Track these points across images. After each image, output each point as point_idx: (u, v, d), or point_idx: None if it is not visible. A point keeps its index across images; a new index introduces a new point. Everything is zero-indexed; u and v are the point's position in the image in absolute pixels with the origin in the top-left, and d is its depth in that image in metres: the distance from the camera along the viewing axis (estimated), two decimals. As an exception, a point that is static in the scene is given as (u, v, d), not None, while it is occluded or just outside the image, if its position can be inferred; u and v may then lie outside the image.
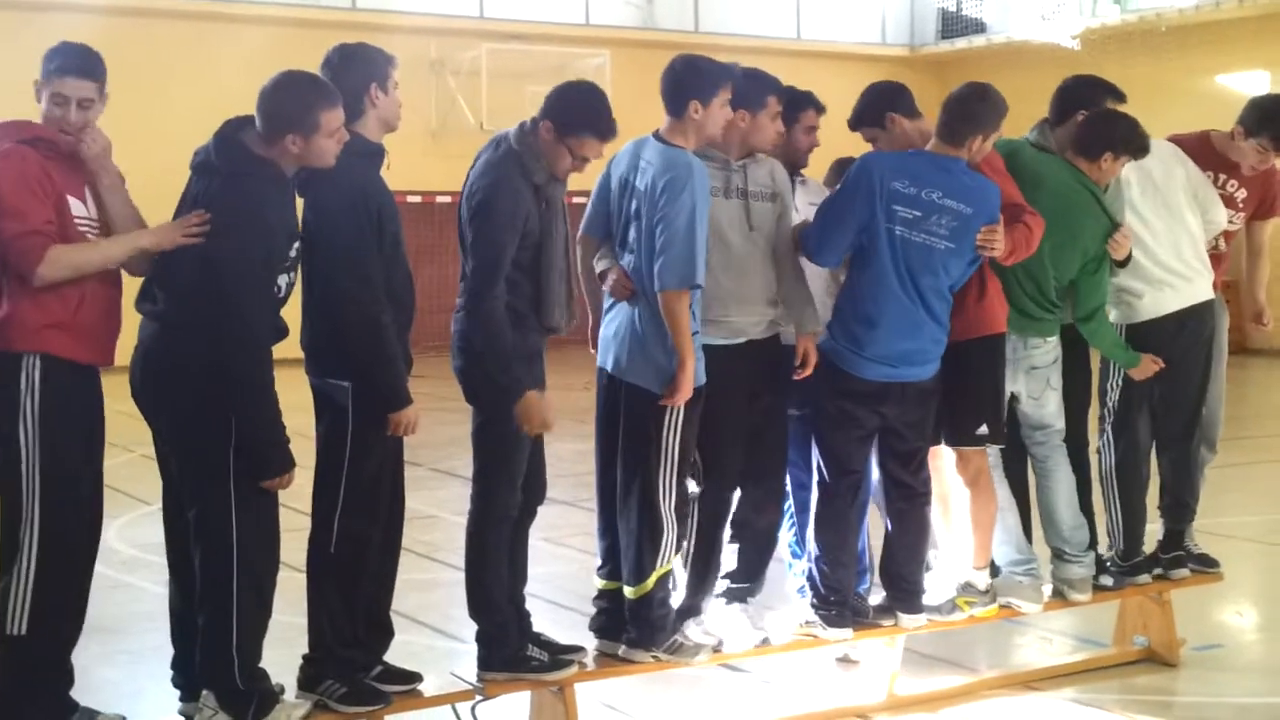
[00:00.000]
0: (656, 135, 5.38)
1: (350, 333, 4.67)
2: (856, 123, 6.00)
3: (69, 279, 4.53)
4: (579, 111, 5.17)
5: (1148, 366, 6.28)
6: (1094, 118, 6.11)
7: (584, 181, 5.53)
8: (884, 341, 5.59)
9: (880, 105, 5.90)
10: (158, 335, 4.65)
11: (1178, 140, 6.59)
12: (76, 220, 4.62)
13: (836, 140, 6.32)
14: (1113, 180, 6.20)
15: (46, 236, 4.49)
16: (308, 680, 5.00)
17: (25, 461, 4.50)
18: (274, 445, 4.62)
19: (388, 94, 4.97)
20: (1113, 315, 6.36)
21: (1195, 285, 6.37)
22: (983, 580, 6.00)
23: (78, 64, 4.68)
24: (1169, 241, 6.31)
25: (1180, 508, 6.60)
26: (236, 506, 4.61)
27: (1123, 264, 6.13)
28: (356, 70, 4.94)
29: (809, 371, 5.68)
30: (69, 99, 4.65)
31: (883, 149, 5.87)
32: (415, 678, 5.18)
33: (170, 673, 4.95)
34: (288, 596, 5.00)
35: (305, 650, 5.03)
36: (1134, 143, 6.06)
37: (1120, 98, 6.30)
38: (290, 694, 4.95)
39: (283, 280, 4.71)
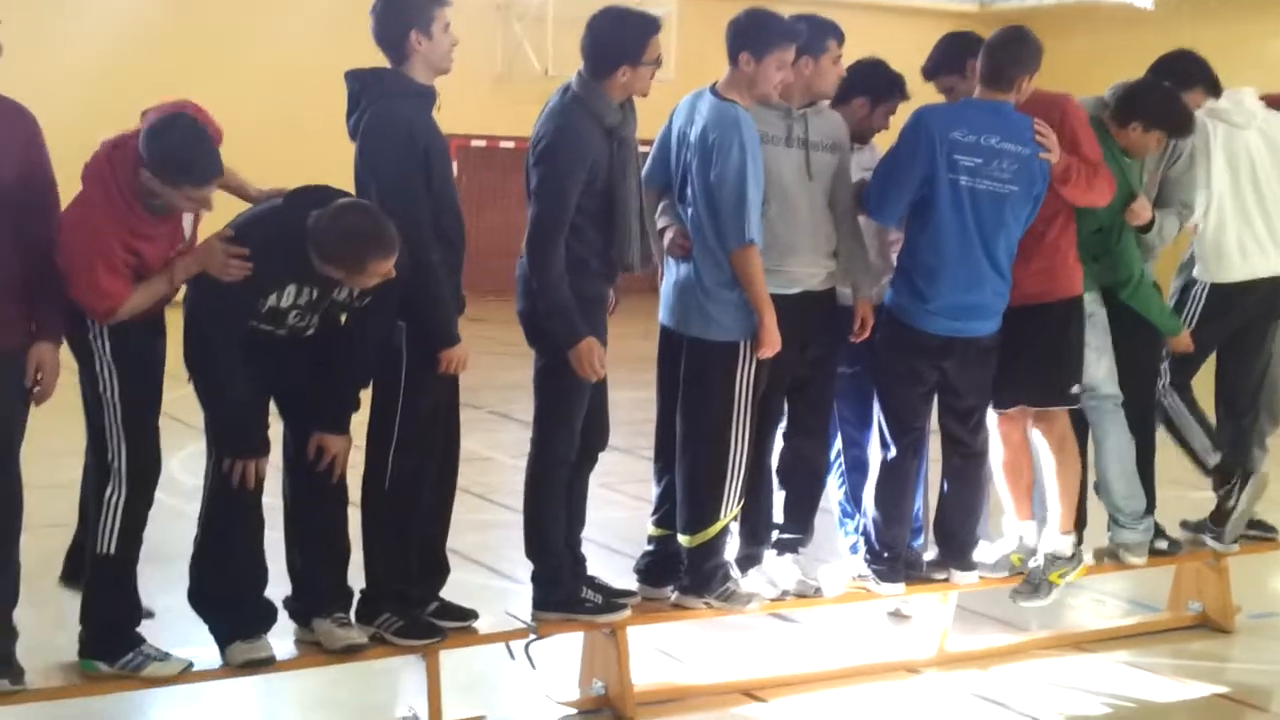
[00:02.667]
0: (713, 88, 5.37)
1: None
2: (934, 70, 5.96)
3: None
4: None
5: (1185, 341, 6.23)
6: (1134, 85, 6.04)
7: (650, 131, 5.53)
8: (947, 294, 5.58)
9: (960, 52, 5.85)
10: None
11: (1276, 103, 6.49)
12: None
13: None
14: (1191, 149, 6.13)
15: (118, 306, 4.53)
16: (366, 613, 5.07)
17: (104, 387, 4.60)
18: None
19: (432, 38, 4.95)
20: (1197, 271, 6.32)
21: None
22: (1068, 545, 5.96)
23: (214, 172, 4.54)
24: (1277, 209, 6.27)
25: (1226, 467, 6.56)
26: None
27: (1145, 230, 6.06)
28: (398, 15, 4.95)
29: (866, 335, 5.69)
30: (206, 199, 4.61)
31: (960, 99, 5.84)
32: (471, 615, 5.24)
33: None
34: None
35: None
36: (1168, 119, 5.95)
37: (1215, 91, 6.20)
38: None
39: None
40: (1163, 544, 6.41)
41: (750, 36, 5.29)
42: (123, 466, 4.61)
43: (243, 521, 4.85)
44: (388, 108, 4.88)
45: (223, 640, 4.84)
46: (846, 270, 5.67)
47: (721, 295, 5.29)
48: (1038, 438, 5.92)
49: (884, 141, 5.87)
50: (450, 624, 5.16)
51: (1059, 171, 5.59)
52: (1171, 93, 6.03)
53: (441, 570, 5.28)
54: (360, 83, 4.97)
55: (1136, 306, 6.09)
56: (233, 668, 4.82)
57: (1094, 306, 6.04)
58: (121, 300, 4.51)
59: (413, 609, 5.11)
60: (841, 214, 5.64)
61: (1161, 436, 6.49)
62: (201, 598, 4.89)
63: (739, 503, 5.47)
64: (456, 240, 5.06)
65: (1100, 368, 6.08)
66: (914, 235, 5.68)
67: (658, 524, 5.67)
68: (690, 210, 5.34)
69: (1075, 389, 5.86)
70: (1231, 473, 6.43)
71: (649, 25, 5.17)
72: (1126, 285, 6.04)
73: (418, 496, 5.09)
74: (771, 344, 5.28)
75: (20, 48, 4.80)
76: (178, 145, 4.45)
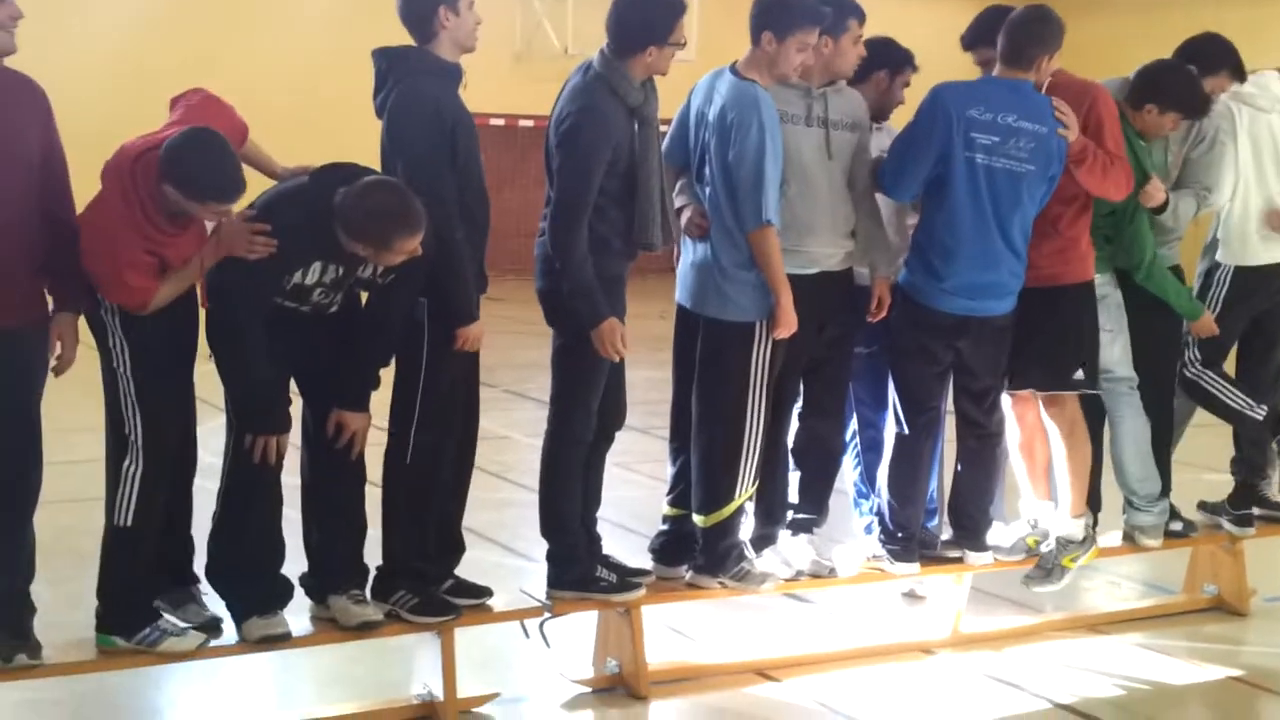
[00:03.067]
0: (732, 67, 5.36)
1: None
2: (973, 42, 5.96)
3: None
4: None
5: (1208, 324, 6.20)
6: (1152, 66, 6.01)
7: (671, 110, 5.52)
8: (962, 272, 5.57)
9: (999, 26, 5.81)
10: None
11: None
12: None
13: (921, 82, 6.23)
14: (1215, 132, 6.11)
15: (149, 300, 4.55)
16: (381, 590, 5.10)
17: (117, 361, 4.62)
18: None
19: (459, 15, 4.95)
20: (1220, 254, 6.31)
21: None
22: (1080, 529, 5.95)
23: (237, 190, 4.52)
24: None
25: (1255, 465, 6.53)
26: None
27: (1159, 211, 6.02)
28: None
29: (883, 314, 5.68)
30: (229, 212, 4.62)
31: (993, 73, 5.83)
32: (486, 592, 5.26)
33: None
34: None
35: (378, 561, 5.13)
36: (1183, 100, 5.92)
37: (1241, 75, 6.16)
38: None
39: None
40: (1178, 526, 6.40)
41: (774, 16, 5.28)
42: (139, 440, 4.63)
43: (262, 498, 4.87)
44: (414, 85, 4.89)
45: (239, 616, 4.87)
46: (865, 250, 5.66)
47: (739, 275, 5.29)
48: (1048, 421, 5.91)
49: (900, 120, 5.86)
50: (465, 601, 5.18)
51: (1075, 151, 5.57)
52: (1189, 74, 6.00)
53: (457, 548, 5.30)
54: (388, 60, 4.98)
55: (1153, 289, 6.07)
56: (249, 643, 4.85)
57: (1108, 289, 6.03)
58: (152, 294, 4.54)
59: (429, 586, 5.13)
60: (860, 193, 5.63)
61: (1179, 418, 6.47)
62: (219, 573, 4.91)
63: (754, 483, 5.48)
64: (481, 219, 5.06)
65: (1115, 349, 6.06)
66: (929, 213, 5.67)
67: (673, 504, 5.68)
68: (708, 190, 5.34)
69: (1080, 374, 5.83)
70: (1258, 466, 6.44)
71: (677, 6, 5.15)
72: (1140, 268, 6.01)
73: (437, 473, 5.11)
74: (788, 325, 5.28)
75: (39, 34, 4.82)
76: (200, 165, 4.45)
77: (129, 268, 4.49)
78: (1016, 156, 5.50)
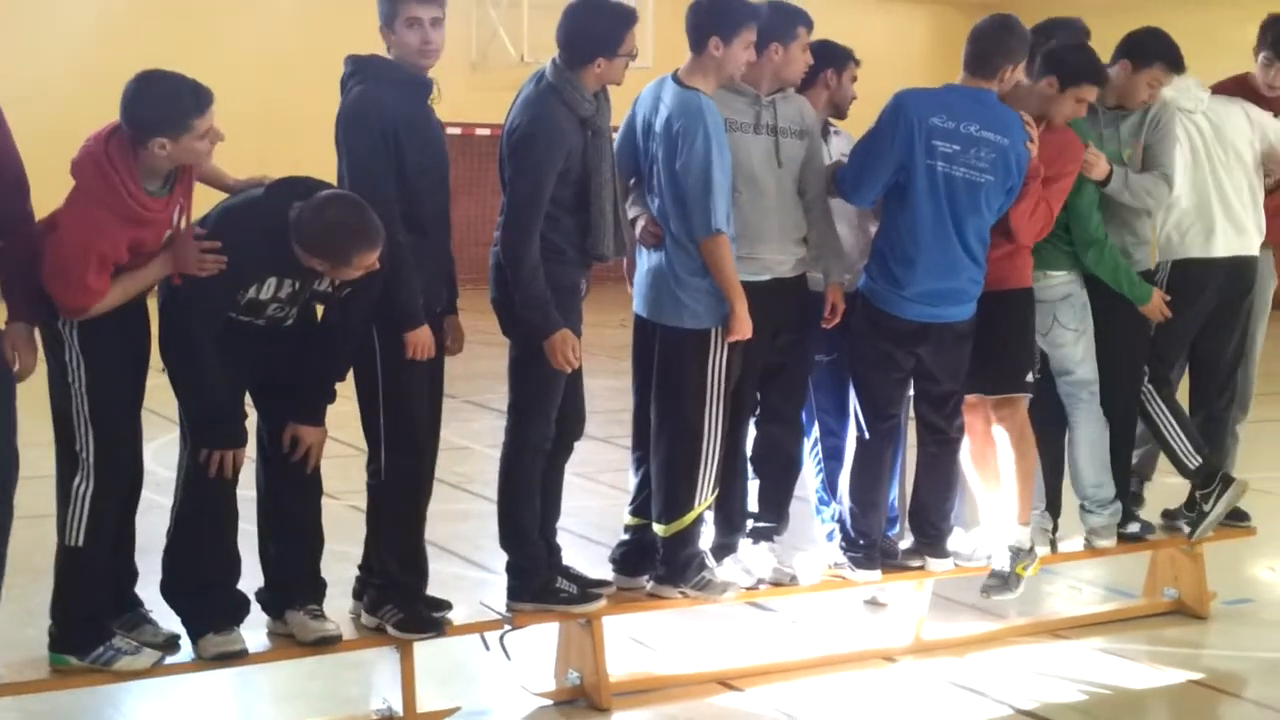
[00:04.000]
0: (674, 76, 5.35)
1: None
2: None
3: None
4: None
5: (1159, 304, 6.17)
6: (1058, 45, 5.96)
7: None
8: (923, 279, 5.57)
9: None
10: None
11: (1222, 89, 6.53)
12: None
13: (880, 85, 6.23)
14: (1166, 118, 6.14)
15: (93, 304, 4.48)
16: (370, 604, 5.09)
17: (72, 378, 4.55)
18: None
19: (395, 32, 4.92)
20: (1159, 252, 6.33)
21: (1246, 238, 6.37)
22: (1026, 536, 5.95)
23: (207, 96, 4.48)
24: (1233, 188, 6.30)
25: (1209, 472, 6.56)
26: None
27: (1103, 184, 6.00)
28: (381, 4, 4.95)
29: (837, 320, 5.67)
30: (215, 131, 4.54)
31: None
32: (445, 605, 5.22)
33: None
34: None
35: (339, 574, 5.09)
36: (1078, 70, 5.82)
37: (1177, 68, 6.16)
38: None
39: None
40: (1135, 527, 6.43)
41: (716, 20, 5.27)
42: (90, 457, 4.57)
43: (216, 513, 4.82)
44: (366, 92, 4.87)
45: (195, 633, 4.81)
46: (817, 256, 5.66)
47: (693, 283, 5.28)
48: (997, 428, 5.91)
49: (862, 116, 5.84)
50: (436, 615, 5.15)
51: (1032, 167, 5.59)
52: (1082, 50, 5.95)
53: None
54: (353, 66, 4.97)
55: (1104, 275, 6.04)
56: (205, 660, 4.79)
57: (1073, 288, 6.04)
58: (98, 300, 4.47)
59: (414, 600, 5.09)
60: (811, 200, 5.62)
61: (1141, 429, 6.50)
62: (174, 590, 4.86)
63: (714, 491, 5.46)
64: (434, 232, 5.03)
65: (1079, 349, 6.07)
66: (890, 220, 5.67)
67: (635, 513, 5.66)
68: (657, 201, 5.32)
69: (1030, 377, 5.84)
70: (1213, 476, 6.41)
71: (626, 17, 5.14)
72: (1090, 246, 6.00)
73: (418, 491, 5.10)
74: (742, 330, 5.27)
75: (1, 38, 4.75)
76: (163, 94, 4.41)
77: (97, 262, 4.40)
78: (976, 166, 5.51)
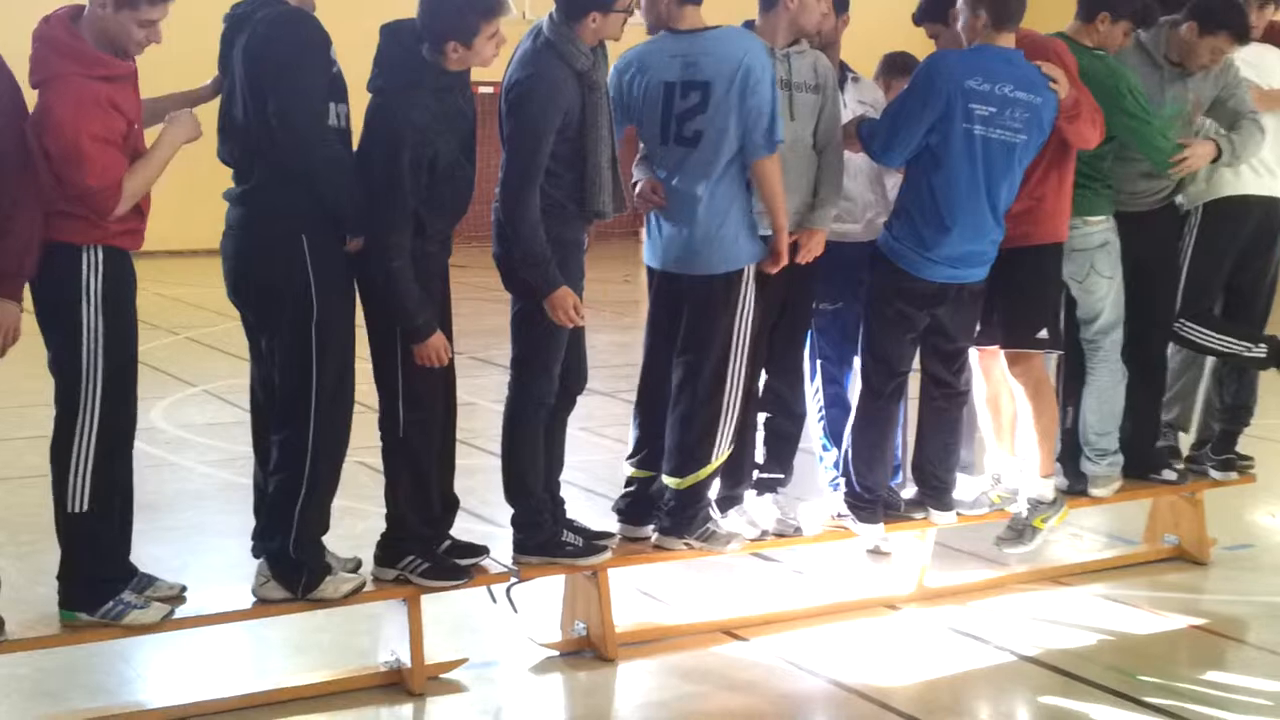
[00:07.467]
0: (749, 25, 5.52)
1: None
2: (922, 17, 6.03)
3: None
4: None
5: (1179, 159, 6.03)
6: None
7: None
8: (955, 244, 5.57)
9: (946, 2, 5.81)
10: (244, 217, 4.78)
11: None
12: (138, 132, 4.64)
13: (885, 35, 6.24)
14: (1236, 73, 6.16)
15: (120, 183, 4.49)
16: (387, 557, 5.13)
17: (87, 348, 4.54)
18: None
19: None
20: (1186, 196, 6.32)
21: (1276, 179, 6.37)
22: (1049, 489, 6.01)
23: None
24: (1275, 131, 6.29)
25: (1239, 409, 6.59)
26: (317, 378, 4.77)
27: (1215, 160, 6.03)
28: None
29: (803, 259, 5.62)
30: (156, 23, 4.54)
31: (944, 46, 5.83)
32: (483, 551, 5.31)
33: (251, 543, 5.06)
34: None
35: (346, 530, 5.13)
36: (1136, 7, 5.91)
37: (1243, 40, 6.10)
38: (368, 568, 5.14)
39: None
40: (1171, 476, 6.44)
41: None
42: (95, 424, 4.56)
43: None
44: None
45: (315, 581, 4.92)
46: (816, 205, 5.64)
47: (727, 229, 5.32)
48: (1012, 381, 5.94)
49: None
50: (465, 561, 5.21)
51: (1068, 105, 5.56)
52: None
53: (451, 507, 5.32)
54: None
55: (1165, 156, 5.95)
56: (343, 598, 4.97)
57: (1110, 235, 6.05)
58: (119, 173, 4.46)
59: (434, 551, 5.15)
60: (823, 150, 5.64)
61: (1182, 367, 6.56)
62: (308, 543, 4.93)
63: (730, 446, 5.50)
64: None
65: (1110, 296, 6.07)
66: (920, 182, 5.62)
67: (638, 465, 5.69)
68: (688, 151, 5.31)
69: (1045, 334, 5.86)
70: (1246, 409, 6.52)
71: None
72: (1157, 157, 5.95)
73: (430, 442, 5.14)
74: (781, 257, 5.37)
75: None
76: None
77: (89, 136, 4.40)
78: (1011, 127, 5.49)
